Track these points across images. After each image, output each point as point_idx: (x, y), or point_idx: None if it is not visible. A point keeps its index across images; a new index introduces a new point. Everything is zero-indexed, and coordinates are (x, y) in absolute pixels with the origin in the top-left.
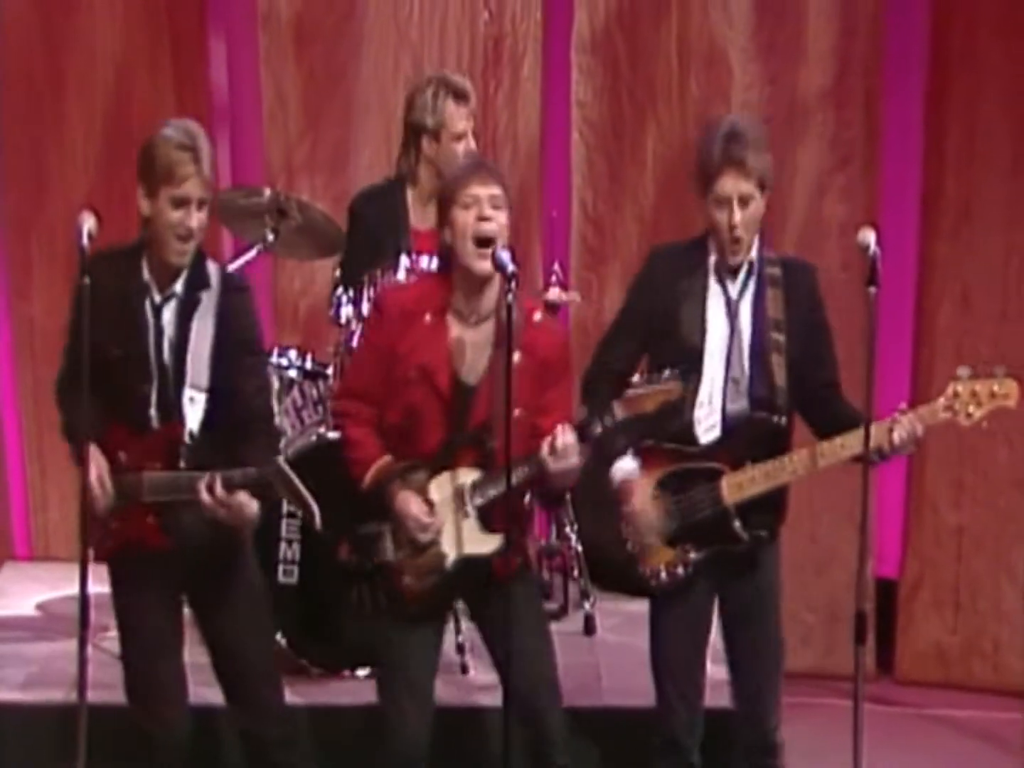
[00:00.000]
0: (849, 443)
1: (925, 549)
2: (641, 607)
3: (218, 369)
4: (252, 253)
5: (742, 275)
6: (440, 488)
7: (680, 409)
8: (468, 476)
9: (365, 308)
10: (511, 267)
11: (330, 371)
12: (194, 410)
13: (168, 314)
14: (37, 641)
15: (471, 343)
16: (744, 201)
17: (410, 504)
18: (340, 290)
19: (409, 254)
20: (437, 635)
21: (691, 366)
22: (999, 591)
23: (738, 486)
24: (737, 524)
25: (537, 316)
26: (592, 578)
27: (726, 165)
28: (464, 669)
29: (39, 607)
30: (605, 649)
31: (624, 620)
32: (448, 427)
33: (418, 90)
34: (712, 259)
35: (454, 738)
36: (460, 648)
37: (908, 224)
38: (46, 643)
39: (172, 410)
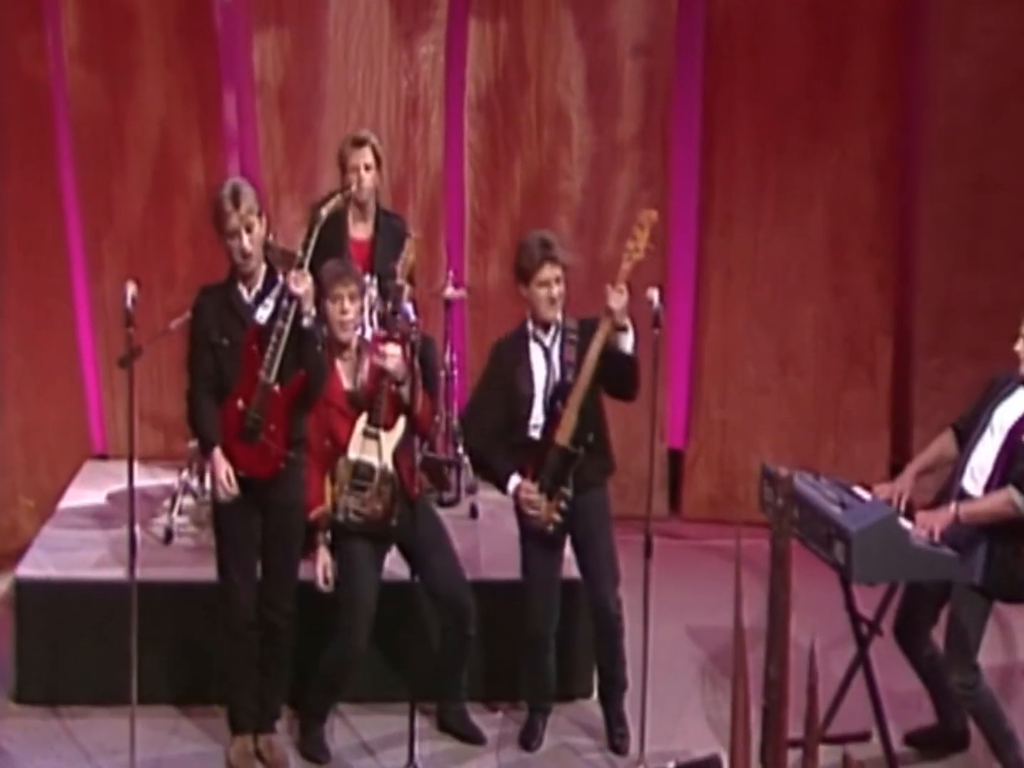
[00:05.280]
0: (597, 347)
1: (701, 433)
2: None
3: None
4: None
5: (552, 334)
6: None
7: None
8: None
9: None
10: (413, 317)
11: None
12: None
13: (261, 309)
14: (107, 528)
15: (345, 370)
16: (558, 280)
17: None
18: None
19: None
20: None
21: (526, 406)
22: (748, 461)
23: (563, 429)
24: (578, 450)
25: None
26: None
27: (546, 260)
28: None
29: (110, 497)
30: (484, 530)
31: (498, 506)
32: (352, 413)
33: (342, 146)
34: (529, 328)
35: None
36: None
37: (689, 225)
38: (115, 529)
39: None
